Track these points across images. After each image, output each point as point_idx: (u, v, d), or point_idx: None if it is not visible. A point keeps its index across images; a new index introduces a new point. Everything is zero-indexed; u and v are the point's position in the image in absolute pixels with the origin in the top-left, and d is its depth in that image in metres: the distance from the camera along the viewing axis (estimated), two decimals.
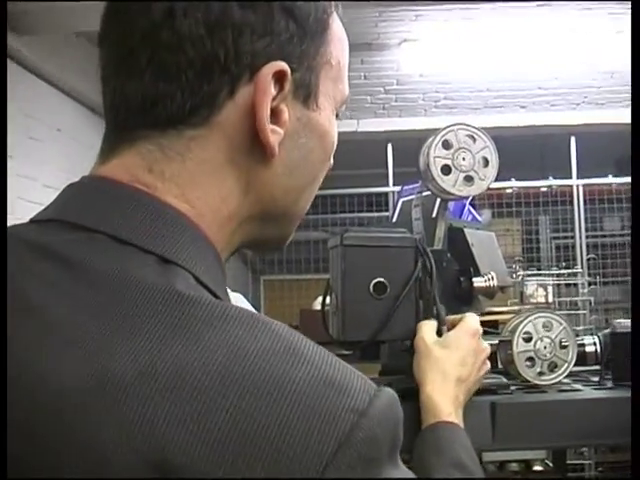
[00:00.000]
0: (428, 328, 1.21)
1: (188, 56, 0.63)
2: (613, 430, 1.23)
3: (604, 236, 5.79)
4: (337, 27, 0.74)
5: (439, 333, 1.23)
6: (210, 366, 0.52)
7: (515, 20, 4.08)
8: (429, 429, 1.08)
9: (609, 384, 1.39)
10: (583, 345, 1.56)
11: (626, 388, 1.33)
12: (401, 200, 1.66)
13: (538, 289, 4.74)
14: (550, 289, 4.70)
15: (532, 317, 1.32)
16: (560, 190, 5.37)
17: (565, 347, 1.33)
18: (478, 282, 1.35)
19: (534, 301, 4.72)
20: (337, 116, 0.78)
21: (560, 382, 1.36)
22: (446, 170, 1.32)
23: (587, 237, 5.23)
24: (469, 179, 1.33)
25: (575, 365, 1.53)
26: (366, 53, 4.37)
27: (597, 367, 1.50)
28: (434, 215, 1.44)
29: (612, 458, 5.20)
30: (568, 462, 4.79)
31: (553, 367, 1.34)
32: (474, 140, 1.34)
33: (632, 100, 1.37)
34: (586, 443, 1.75)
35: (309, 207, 0.81)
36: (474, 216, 1.71)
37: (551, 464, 3.75)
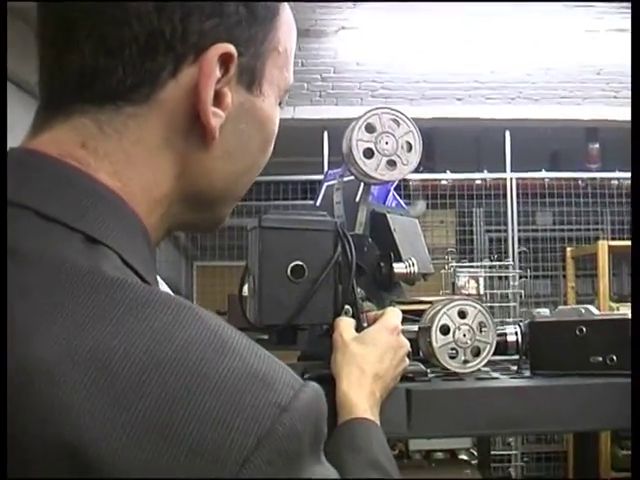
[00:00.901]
0: (346, 324, 1.19)
1: (133, 31, 0.61)
2: (529, 419, 1.23)
3: (536, 230, 5.86)
4: (287, 15, 0.74)
5: (358, 324, 1.22)
6: (132, 353, 0.50)
7: (454, 13, 4.09)
8: (345, 426, 1.06)
9: (527, 373, 1.40)
10: (505, 334, 1.57)
11: (543, 377, 1.34)
12: (325, 184, 1.64)
13: (470, 280, 4.82)
14: (481, 281, 4.78)
15: (446, 308, 1.31)
16: (494, 183, 5.42)
17: (484, 329, 1.32)
18: (398, 268, 1.34)
19: (465, 292, 4.79)
20: (280, 104, 0.76)
21: (479, 370, 1.36)
22: (369, 154, 1.30)
23: (519, 231, 5.29)
24: (392, 163, 1.32)
25: (497, 354, 1.54)
26: (304, 40, 4.33)
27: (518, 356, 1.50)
28: (357, 199, 1.42)
29: (538, 449, 5.28)
30: (495, 452, 4.87)
31: (476, 352, 1.33)
32: (398, 124, 1.33)
33: (632, 99, 1.37)
34: (501, 432, 1.76)
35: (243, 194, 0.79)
36: (398, 202, 1.70)
37: (476, 453, 3.78)
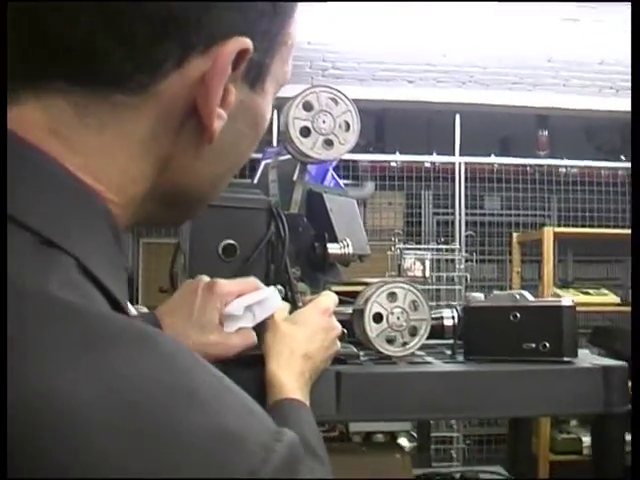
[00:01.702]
0: (282, 308, 1.17)
1: (146, 11, 0.53)
2: (459, 404, 1.22)
3: (483, 214, 5.88)
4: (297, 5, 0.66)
5: (293, 306, 1.20)
6: (77, 404, 0.41)
7: None
8: (274, 407, 1.03)
9: (461, 358, 1.39)
10: (442, 318, 1.56)
11: (476, 362, 1.33)
12: (263, 162, 1.61)
13: (416, 262, 4.82)
14: (427, 263, 4.79)
15: (375, 295, 1.29)
16: (443, 167, 5.42)
17: (417, 308, 1.30)
18: (333, 249, 1.32)
19: (411, 274, 4.80)
20: None
21: (414, 354, 1.35)
22: (305, 132, 1.28)
23: (467, 214, 5.29)
24: (329, 143, 1.29)
25: (434, 338, 1.53)
26: None
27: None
28: (294, 178, 1.40)
29: (480, 431, 5.32)
30: (437, 435, 4.89)
31: (413, 331, 1.31)
32: (336, 103, 1.30)
33: (632, 97, 1.35)
34: (431, 417, 1.75)
35: None
36: (337, 182, 1.68)
37: (415, 435, 3.80)
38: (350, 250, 1.32)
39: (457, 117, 5.16)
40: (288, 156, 1.35)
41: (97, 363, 0.44)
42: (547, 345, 1.28)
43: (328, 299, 1.20)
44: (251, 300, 1.11)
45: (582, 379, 1.25)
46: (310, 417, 1.03)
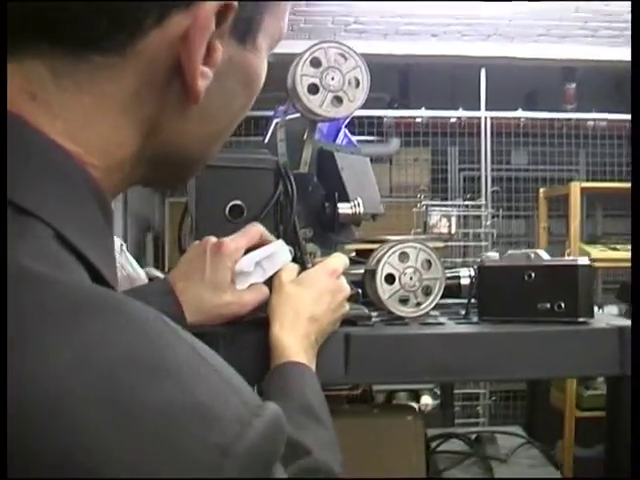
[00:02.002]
0: (288, 269, 1.14)
1: None
2: (471, 366, 1.20)
3: (510, 170, 5.81)
4: None
5: (303, 267, 1.18)
6: (45, 380, 0.40)
7: None
8: (277, 370, 1.02)
9: (475, 318, 1.36)
10: (458, 277, 1.54)
11: (490, 323, 1.31)
12: (275, 121, 1.58)
13: (442, 219, 4.79)
14: (453, 220, 4.76)
15: (387, 257, 1.26)
16: (468, 122, 5.34)
17: (430, 267, 1.28)
18: (343, 208, 1.30)
19: (437, 231, 4.77)
20: None
21: (428, 314, 1.33)
22: (313, 89, 1.25)
23: (492, 170, 5.23)
24: (338, 100, 1.26)
25: (450, 297, 1.51)
26: None
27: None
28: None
29: (507, 387, 5.31)
30: (463, 391, 4.89)
31: (427, 291, 1.29)
32: (345, 59, 1.27)
33: (632, 95, 1.32)
34: (442, 379, 1.73)
35: None
36: (350, 139, 1.65)
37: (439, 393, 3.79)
38: (361, 210, 1.30)
39: (482, 71, 5.07)
40: (297, 114, 1.32)
41: (67, 335, 0.42)
42: (562, 305, 1.25)
43: (337, 260, 1.17)
44: (260, 255, 1.11)
45: (597, 340, 1.22)
46: (314, 380, 1.01)
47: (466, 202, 4.98)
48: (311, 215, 1.30)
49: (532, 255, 1.29)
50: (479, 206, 5.05)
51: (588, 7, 4.59)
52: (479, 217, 5.06)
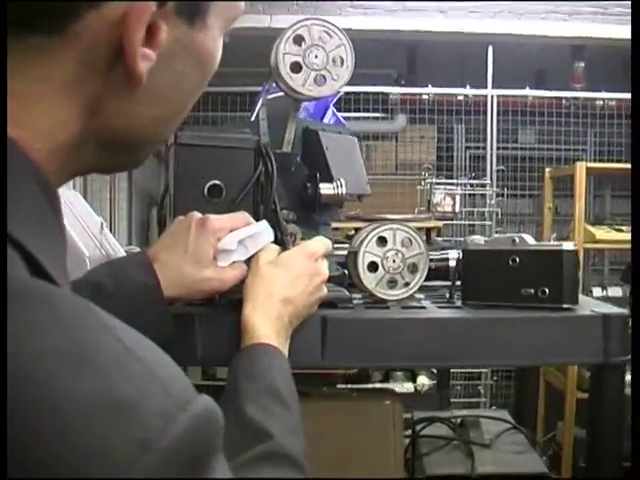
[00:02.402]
0: (268, 249, 1.13)
1: None
2: (450, 352, 1.18)
3: (516, 149, 5.77)
4: None
5: (283, 248, 1.17)
6: None
7: None
8: (245, 351, 1.00)
9: (459, 302, 1.34)
10: (447, 259, 1.52)
11: (473, 307, 1.29)
12: (261, 99, 1.56)
13: (446, 198, 4.76)
14: (458, 198, 4.73)
15: (364, 246, 1.24)
16: (476, 100, 5.30)
17: (411, 244, 1.26)
18: (325, 189, 1.27)
19: (441, 210, 4.74)
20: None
21: (412, 297, 1.31)
22: (296, 68, 1.22)
23: (499, 149, 5.19)
24: (322, 78, 1.24)
25: (439, 279, 1.49)
26: None
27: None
28: None
29: (509, 367, 5.29)
30: (465, 371, 4.88)
31: (414, 268, 1.27)
32: (330, 37, 1.24)
33: (632, 96, 1.29)
34: (419, 364, 1.72)
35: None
36: (338, 118, 1.62)
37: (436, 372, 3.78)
38: (343, 190, 1.27)
39: (490, 49, 5.02)
40: (280, 93, 1.30)
41: None
42: (546, 291, 1.23)
43: (317, 243, 1.16)
44: (243, 234, 1.10)
45: (581, 327, 1.20)
46: (282, 362, 1.00)
47: (471, 181, 4.95)
48: (293, 195, 1.28)
49: (517, 239, 1.27)
50: (484, 185, 5.02)
51: None
52: (481, 196, 5.03)
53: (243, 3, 0.66)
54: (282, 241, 1.20)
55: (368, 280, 1.24)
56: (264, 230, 1.13)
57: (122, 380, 0.44)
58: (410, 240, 1.26)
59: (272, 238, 1.15)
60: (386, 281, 1.26)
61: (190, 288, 1.05)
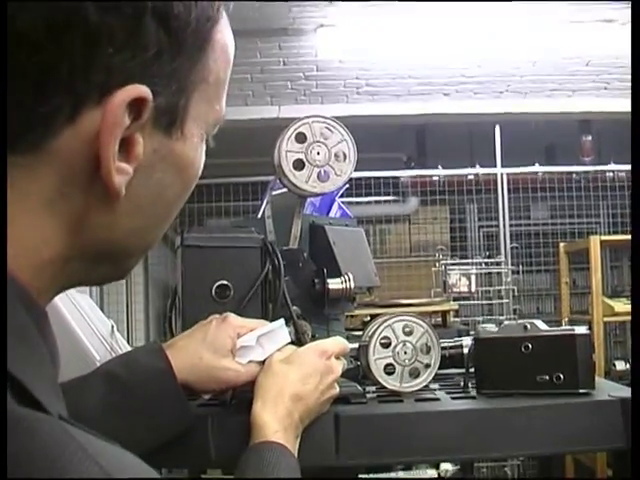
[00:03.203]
0: (284, 349, 1.12)
1: (20, 63, 0.49)
2: (468, 444, 1.16)
3: (529, 225, 5.78)
4: (221, 36, 0.61)
5: (299, 346, 1.16)
6: None
7: (436, 6, 4.02)
8: (252, 450, 0.98)
9: (473, 392, 1.32)
10: (461, 347, 1.50)
11: (488, 397, 1.27)
12: (267, 196, 1.57)
13: (461, 278, 4.75)
14: (473, 278, 4.71)
15: (391, 321, 1.25)
16: (486, 179, 5.34)
17: (430, 352, 1.25)
18: (334, 284, 1.27)
19: (457, 290, 4.72)
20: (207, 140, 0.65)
21: (426, 387, 1.29)
22: (299, 165, 1.23)
23: (511, 226, 5.20)
24: (325, 175, 1.25)
25: (453, 367, 1.47)
26: (283, 38, 4.26)
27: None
28: None
29: None
30: None
31: (416, 374, 1.26)
32: (331, 132, 1.26)
33: (632, 96, 1.30)
34: (436, 458, 1.68)
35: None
36: (344, 211, 1.63)
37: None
38: (352, 284, 1.27)
39: (497, 128, 5.07)
40: (285, 190, 1.31)
41: None
42: (561, 377, 1.21)
43: (331, 342, 1.15)
44: (261, 331, 1.10)
45: (600, 413, 1.17)
46: (290, 460, 0.98)
47: (485, 260, 4.95)
48: (301, 291, 1.28)
49: (529, 326, 1.26)
50: (499, 263, 5.02)
51: (599, 60, 4.60)
52: (500, 274, 5.02)
53: (223, 107, 0.65)
54: (298, 339, 1.20)
55: (374, 352, 1.24)
56: (280, 329, 1.13)
57: None
58: (427, 348, 1.25)
59: (289, 339, 1.14)
60: (385, 363, 1.25)
61: (205, 374, 1.04)
